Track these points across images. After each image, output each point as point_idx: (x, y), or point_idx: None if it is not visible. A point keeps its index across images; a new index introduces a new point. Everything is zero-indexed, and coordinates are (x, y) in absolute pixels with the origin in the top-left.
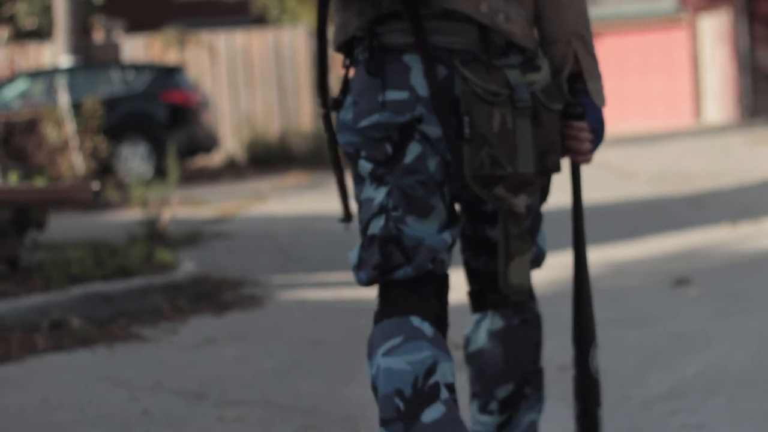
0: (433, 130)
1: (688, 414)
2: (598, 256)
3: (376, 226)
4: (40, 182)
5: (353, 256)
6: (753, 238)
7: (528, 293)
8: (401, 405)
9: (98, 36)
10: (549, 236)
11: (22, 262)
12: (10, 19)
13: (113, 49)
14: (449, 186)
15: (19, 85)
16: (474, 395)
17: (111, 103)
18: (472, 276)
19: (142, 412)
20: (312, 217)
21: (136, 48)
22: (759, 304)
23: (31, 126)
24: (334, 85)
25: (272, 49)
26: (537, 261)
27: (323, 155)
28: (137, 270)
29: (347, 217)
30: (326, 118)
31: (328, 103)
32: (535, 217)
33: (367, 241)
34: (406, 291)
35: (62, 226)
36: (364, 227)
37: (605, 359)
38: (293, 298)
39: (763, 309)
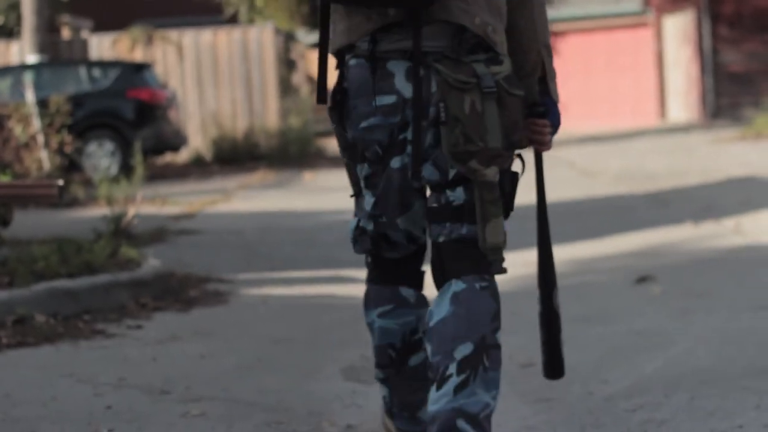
0: (416, 134)
1: (650, 410)
2: (562, 253)
3: (369, 225)
4: (5, 179)
5: (351, 226)
6: (715, 236)
7: (498, 251)
8: (393, 354)
9: (65, 34)
10: (513, 233)
11: None
12: None
13: (80, 46)
14: (424, 177)
15: None
16: (433, 355)
17: (78, 100)
18: (436, 252)
19: (106, 408)
20: (278, 214)
21: (103, 46)
22: (721, 302)
23: None
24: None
25: (239, 46)
26: (503, 237)
27: (289, 153)
28: (102, 266)
29: (356, 193)
30: (331, 114)
31: (327, 99)
32: (508, 192)
33: (362, 231)
34: (394, 267)
35: (27, 222)
36: (358, 220)
37: (568, 355)
38: (258, 295)
39: (724, 307)
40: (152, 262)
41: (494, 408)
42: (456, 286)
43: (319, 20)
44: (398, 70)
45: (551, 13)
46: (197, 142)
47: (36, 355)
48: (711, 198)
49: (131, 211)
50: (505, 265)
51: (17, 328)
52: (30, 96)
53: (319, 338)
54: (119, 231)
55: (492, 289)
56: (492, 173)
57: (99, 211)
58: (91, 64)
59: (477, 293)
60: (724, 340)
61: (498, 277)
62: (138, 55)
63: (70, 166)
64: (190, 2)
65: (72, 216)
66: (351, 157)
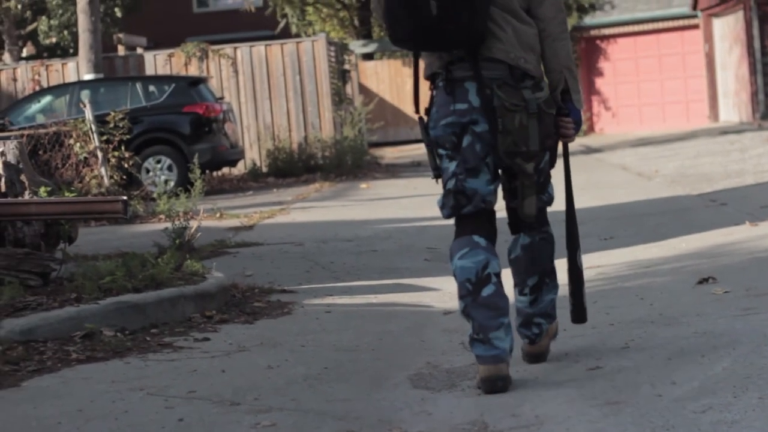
0: (480, 127)
1: (720, 410)
2: (623, 256)
3: (451, 184)
4: (69, 196)
5: (439, 201)
6: None
7: (533, 218)
8: (470, 287)
9: (121, 51)
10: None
11: (53, 274)
12: (32, 36)
13: (136, 63)
14: (491, 158)
15: (44, 100)
16: (515, 285)
17: (135, 116)
18: (510, 212)
19: (178, 420)
20: (336, 224)
21: (158, 62)
22: None
23: (57, 140)
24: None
25: (292, 58)
26: (549, 202)
27: (344, 164)
28: (167, 280)
29: (435, 175)
30: (421, 120)
31: (418, 109)
32: (545, 177)
33: (446, 193)
34: (470, 220)
35: (90, 238)
36: (445, 185)
37: (635, 357)
38: (321, 305)
39: None
40: (216, 274)
41: (555, 297)
42: (523, 239)
43: (413, 58)
44: (471, 88)
45: (600, 17)
46: (253, 154)
47: (105, 369)
48: (767, 198)
49: (194, 224)
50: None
51: (86, 343)
52: (88, 113)
53: (385, 346)
54: (182, 245)
55: (548, 238)
56: (530, 167)
57: (159, 225)
58: (147, 80)
59: (537, 243)
60: None
61: (561, 285)
62: (193, 71)
63: (129, 181)
64: (241, 18)
65: (133, 231)
66: (434, 147)
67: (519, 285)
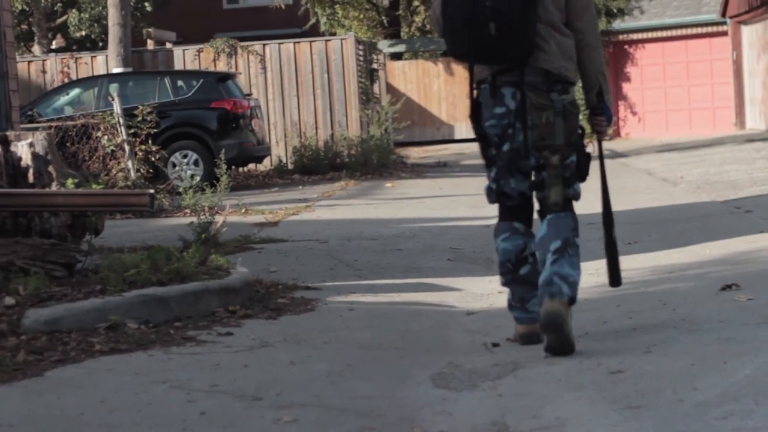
0: (516, 129)
1: (741, 417)
2: (647, 261)
3: (493, 185)
4: (97, 188)
5: (485, 188)
6: None
7: (560, 205)
8: (510, 266)
9: (150, 46)
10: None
11: (78, 266)
12: (62, 29)
13: (165, 57)
14: (525, 156)
15: (73, 93)
16: (540, 265)
17: (162, 111)
18: (540, 201)
19: (200, 414)
20: (361, 222)
21: (187, 57)
22: None
23: (85, 132)
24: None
25: (321, 56)
26: (575, 197)
27: (370, 162)
28: (192, 274)
29: (488, 162)
30: (472, 118)
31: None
32: (571, 173)
33: (490, 190)
34: (511, 210)
35: (115, 231)
36: (488, 182)
37: (657, 363)
38: (345, 302)
39: None
40: (241, 269)
41: (577, 279)
42: (549, 217)
43: (468, 69)
44: (507, 93)
45: (629, 22)
46: (279, 151)
47: (129, 361)
48: None
49: (220, 219)
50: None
51: (110, 334)
52: (116, 106)
53: (407, 345)
54: (207, 239)
55: (571, 216)
56: (556, 159)
57: (184, 219)
58: (175, 75)
59: (561, 218)
60: None
61: (584, 288)
62: (221, 66)
63: (156, 175)
64: (271, 15)
65: (158, 224)
66: (483, 140)
67: (542, 257)
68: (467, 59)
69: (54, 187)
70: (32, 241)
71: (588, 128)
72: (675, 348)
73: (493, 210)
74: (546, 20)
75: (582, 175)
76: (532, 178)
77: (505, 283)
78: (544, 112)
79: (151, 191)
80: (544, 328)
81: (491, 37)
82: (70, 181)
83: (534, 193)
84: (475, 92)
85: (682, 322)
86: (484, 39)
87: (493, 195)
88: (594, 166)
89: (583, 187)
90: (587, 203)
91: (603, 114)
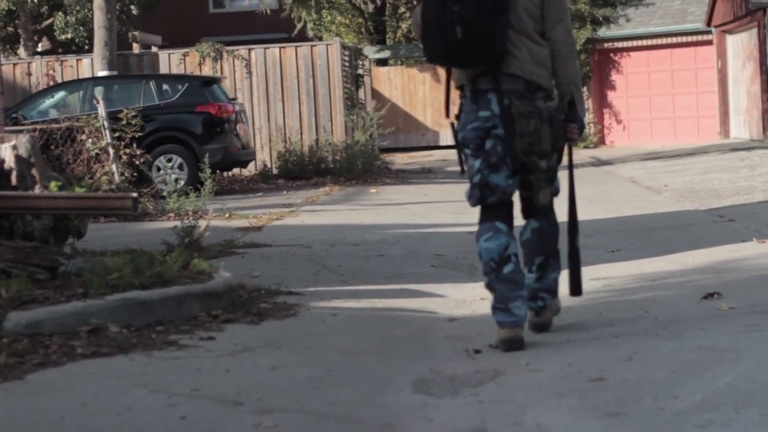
0: (500, 131)
1: (721, 426)
2: (630, 269)
3: (476, 178)
4: (80, 191)
5: (467, 192)
6: None
7: (547, 206)
8: (493, 265)
9: (135, 49)
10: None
11: (61, 269)
12: (48, 31)
13: (150, 61)
14: (510, 158)
15: (58, 95)
16: (525, 263)
17: (147, 114)
18: (523, 201)
19: (180, 418)
20: (345, 228)
21: (172, 61)
22: None
23: (69, 135)
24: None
25: (306, 62)
26: (556, 193)
27: (355, 167)
28: (174, 278)
29: (462, 170)
30: (452, 125)
31: (449, 115)
32: (553, 173)
33: (473, 185)
34: (493, 209)
35: (99, 234)
36: (471, 179)
37: (638, 370)
38: (327, 308)
39: None
40: (223, 274)
41: (558, 276)
42: (533, 223)
43: (446, 72)
44: (492, 98)
45: (615, 30)
46: (264, 155)
47: (110, 365)
48: None
49: (203, 224)
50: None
51: (91, 338)
52: (101, 110)
53: (389, 351)
54: (191, 244)
55: (553, 225)
56: (543, 164)
57: (168, 223)
58: (160, 79)
59: (544, 228)
60: None
61: (567, 296)
62: (207, 71)
63: (140, 179)
64: (256, 20)
65: (142, 228)
66: (463, 146)
67: (528, 264)
68: (439, 61)
69: (37, 190)
70: (14, 244)
71: None
72: (656, 356)
73: (476, 217)
74: (518, 29)
75: (551, 177)
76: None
77: (488, 284)
78: (531, 120)
79: (134, 195)
80: (535, 331)
81: (457, 40)
82: (53, 183)
83: (517, 193)
84: (459, 96)
85: (664, 330)
86: (451, 42)
87: (475, 191)
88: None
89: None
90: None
91: (575, 122)
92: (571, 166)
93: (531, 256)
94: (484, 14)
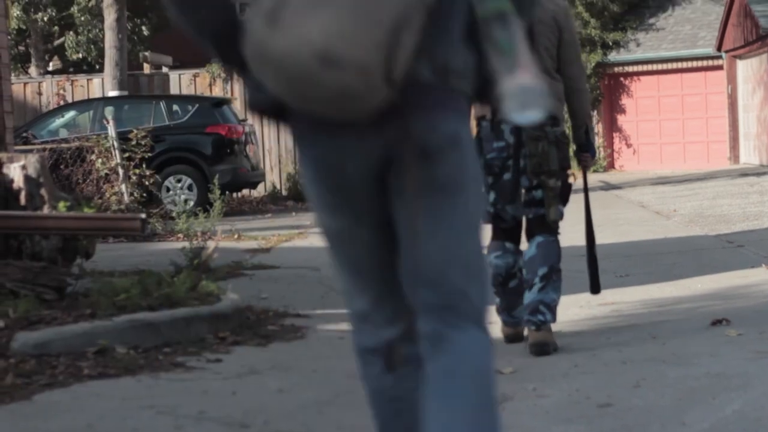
0: (513, 163)
1: None
2: (638, 294)
3: (491, 209)
4: (89, 212)
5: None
6: None
7: (555, 224)
8: (500, 278)
9: (146, 69)
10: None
11: (68, 289)
12: (59, 50)
13: (161, 81)
14: (520, 183)
15: (68, 115)
16: (527, 279)
17: (157, 135)
18: (528, 223)
19: None
20: None
21: (183, 81)
22: None
23: (79, 155)
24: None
25: None
26: (560, 217)
27: None
28: (182, 300)
29: None
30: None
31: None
32: (559, 193)
33: (488, 214)
34: (503, 231)
35: (108, 254)
36: (488, 206)
37: (646, 396)
38: (335, 331)
39: None
40: (231, 296)
41: (557, 301)
42: (538, 239)
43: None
44: (506, 128)
45: (625, 55)
46: (273, 177)
47: (117, 386)
48: None
49: (212, 245)
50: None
51: (98, 359)
52: (111, 130)
53: None
54: (199, 265)
55: (557, 242)
56: (553, 182)
57: (177, 244)
58: (171, 99)
59: (549, 243)
60: None
61: (575, 320)
62: (217, 92)
63: (149, 199)
64: None
65: (151, 249)
66: (485, 171)
67: (530, 279)
68: None
69: (46, 210)
70: (23, 264)
71: (574, 162)
72: (664, 382)
73: (485, 241)
74: (539, 67)
75: (564, 200)
76: (524, 198)
77: (495, 293)
78: (540, 142)
79: (143, 216)
80: (535, 354)
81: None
82: (61, 204)
83: (523, 216)
84: (475, 128)
85: (672, 356)
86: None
87: (489, 217)
88: (579, 198)
89: (572, 221)
90: (582, 235)
91: (588, 150)
92: (586, 189)
93: (534, 268)
94: None
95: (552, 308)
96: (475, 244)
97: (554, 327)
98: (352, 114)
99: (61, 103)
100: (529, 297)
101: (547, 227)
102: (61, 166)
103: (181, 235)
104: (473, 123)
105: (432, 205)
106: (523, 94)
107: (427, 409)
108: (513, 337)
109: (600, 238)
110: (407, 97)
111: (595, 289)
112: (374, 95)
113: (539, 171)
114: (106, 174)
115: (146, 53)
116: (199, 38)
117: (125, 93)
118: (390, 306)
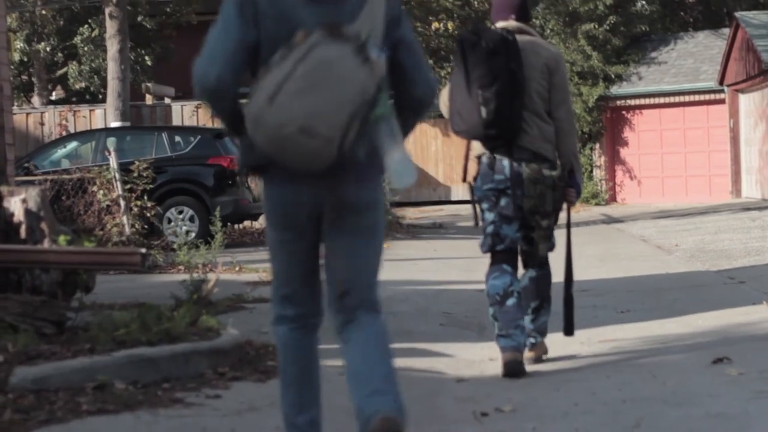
0: (511, 192)
1: None
2: (639, 330)
3: (490, 228)
4: (89, 245)
5: (481, 240)
6: None
7: (544, 258)
8: (498, 298)
9: (148, 101)
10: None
11: (68, 323)
12: (62, 80)
13: (163, 112)
14: (518, 215)
15: (70, 146)
16: (522, 310)
17: (159, 166)
18: (524, 254)
19: None
20: None
21: (185, 113)
22: None
23: (80, 186)
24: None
25: None
26: (551, 248)
27: None
28: (182, 335)
29: (476, 223)
30: (470, 185)
31: (466, 179)
32: (550, 231)
33: (486, 235)
34: (502, 255)
35: (108, 286)
36: (485, 230)
37: None
38: (335, 366)
39: None
40: (231, 331)
41: (547, 319)
42: (531, 272)
43: (466, 143)
44: (505, 164)
45: (627, 88)
46: None
47: (115, 422)
48: None
49: (213, 279)
50: (581, 343)
51: (97, 394)
52: (113, 161)
53: None
54: (199, 299)
55: (548, 274)
56: (545, 223)
57: (178, 276)
58: (173, 130)
59: (541, 277)
60: None
61: (576, 358)
62: (219, 123)
63: (150, 230)
64: None
65: (151, 281)
66: (479, 203)
67: (525, 306)
68: (464, 136)
69: (46, 244)
70: (22, 298)
71: None
72: (664, 423)
73: (485, 275)
74: (531, 109)
75: (549, 240)
76: (522, 235)
77: (493, 314)
78: (538, 185)
79: (143, 250)
80: (534, 362)
81: (482, 120)
82: (62, 237)
83: (520, 246)
84: (476, 165)
85: (672, 396)
86: (476, 121)
87: (488, 238)
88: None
89: (580, 255)
90: (582, 270)
91: (573, 187)
92: (569, 226)
93: (527, 300)
94: (503, 98)
95: (542, 331)
96: (378, 263)
97: (554, 365)
98: (312, 168)
99: (64, 133)
100: (527, 323)
101: (539, 260)
102: (63, 197)
103: (182, 267)
104: (473, 161)
105: (357, 240)
106: (400, 162)
107: (357, 356)
108: (513, 365)
109: (601, 273)
110: (346, 167)
111: (569, 331)
112: (330, 158)
113: (534, 211)
114: (108, 205)
115: (149, 84)
116: (219, 116)
117: (127, 124)
118: (305, 294)
